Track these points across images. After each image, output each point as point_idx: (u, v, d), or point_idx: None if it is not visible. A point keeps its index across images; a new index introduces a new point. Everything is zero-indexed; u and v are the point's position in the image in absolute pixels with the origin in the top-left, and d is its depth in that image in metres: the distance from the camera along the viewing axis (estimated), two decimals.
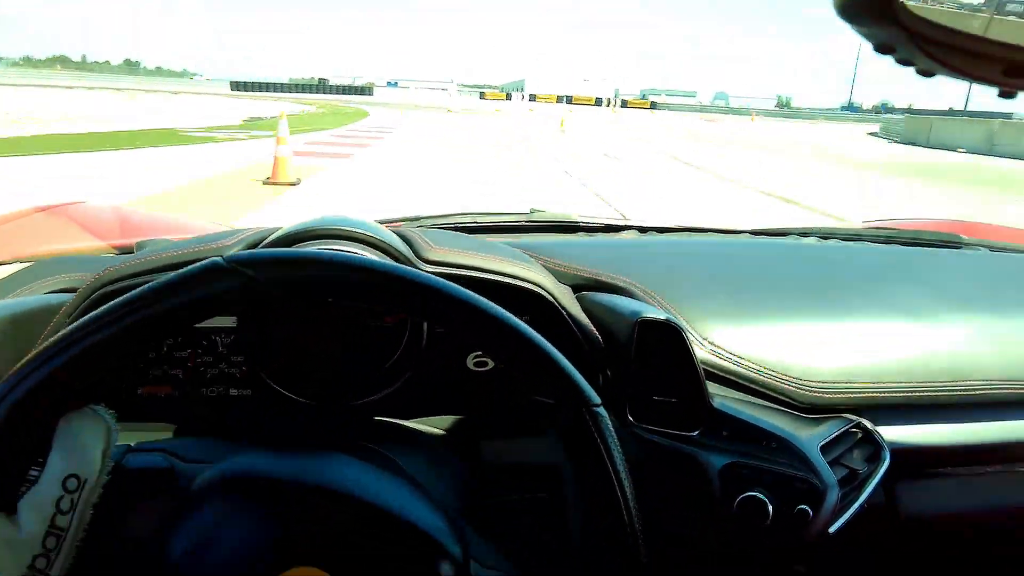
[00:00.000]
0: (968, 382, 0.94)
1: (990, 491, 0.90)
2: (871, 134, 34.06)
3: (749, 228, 1.55)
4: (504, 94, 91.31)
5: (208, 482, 0.51)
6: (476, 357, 0.92)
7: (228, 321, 0.85)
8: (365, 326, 0.89)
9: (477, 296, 0.51)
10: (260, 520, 0.49)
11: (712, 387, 0.84)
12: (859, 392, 0.91)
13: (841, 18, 0.36)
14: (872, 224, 1.67)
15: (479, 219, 1.40)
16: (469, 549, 0.54)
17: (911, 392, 0.92)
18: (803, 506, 0.75)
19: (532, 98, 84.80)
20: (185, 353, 0.86)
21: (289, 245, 0.80)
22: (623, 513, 0.50)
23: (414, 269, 0.51)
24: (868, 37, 0.36)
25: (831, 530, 0.76)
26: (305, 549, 0.48)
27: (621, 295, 0.95)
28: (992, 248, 1.44)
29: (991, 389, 0.95)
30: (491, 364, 0.93)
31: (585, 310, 0.91)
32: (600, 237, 1.39)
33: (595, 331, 0.88)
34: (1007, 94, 0.35)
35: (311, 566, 0.47)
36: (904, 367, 0.94)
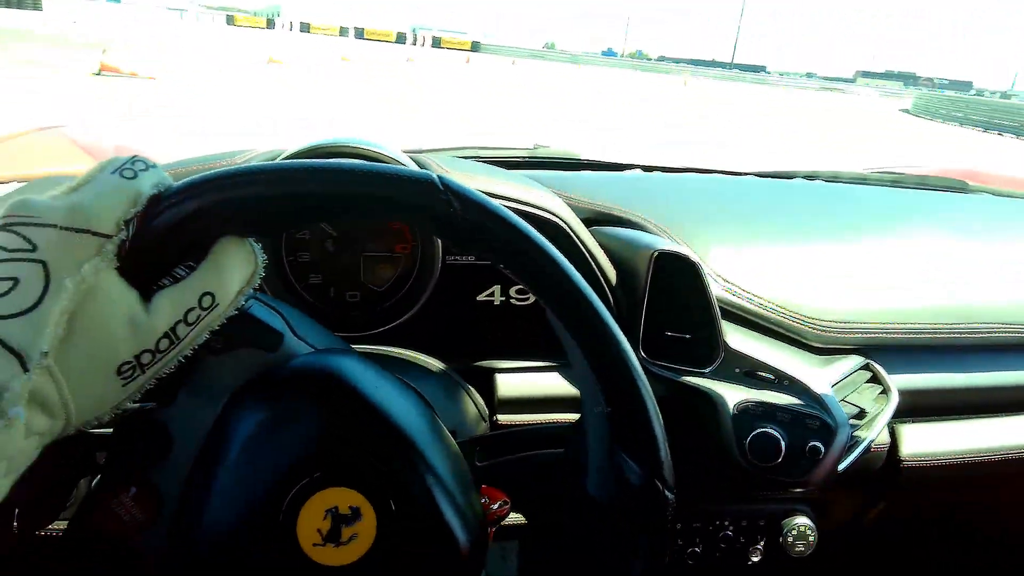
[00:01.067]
0: (975, 324, 0.95)
1: (993, 435, 0.92)
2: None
3: (755, 170, 1.53)
4: (264, 20, 65.79)
5: (295, 371, 0.51)
6: (486, 289, 0.91)
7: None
8: (375, 256, 0.88)
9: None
10: (314, 428, 0.49)
11: (725, 325, 0.84)
12: (869, 333, 0.91)
13: None
14: (881, 168, 1.66)
15: (482, 153, 1.37)
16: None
17: (918, 334, 0.93)
18: (815, 443, 0.76)
19: (305, 28, 61.49)
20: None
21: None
22: (661, 462, 0.49)
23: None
24: None
25: (840, 468, 0.77)
26: (347, 470, 0.48)
27: (634, 229, 0.95)
28: (996, 194, 1.44)
29: (997, 332, 0.96)
30: (501, 297, 0.92)
31: (599, 243, 0.90)
32: (606, 174, 1.37)
33: (609, 264, 0.88)
34: None
35: (350, 487, 0.47)
36: (912, 309, 0.95)
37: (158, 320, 0.41)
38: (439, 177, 0.44)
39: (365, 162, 0.45)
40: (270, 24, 63.18)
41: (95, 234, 0.38)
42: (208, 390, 0.50)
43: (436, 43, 56.42)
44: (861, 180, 1.47)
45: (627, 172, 1.41)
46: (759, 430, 0.77)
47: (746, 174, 1.50)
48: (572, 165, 1.42)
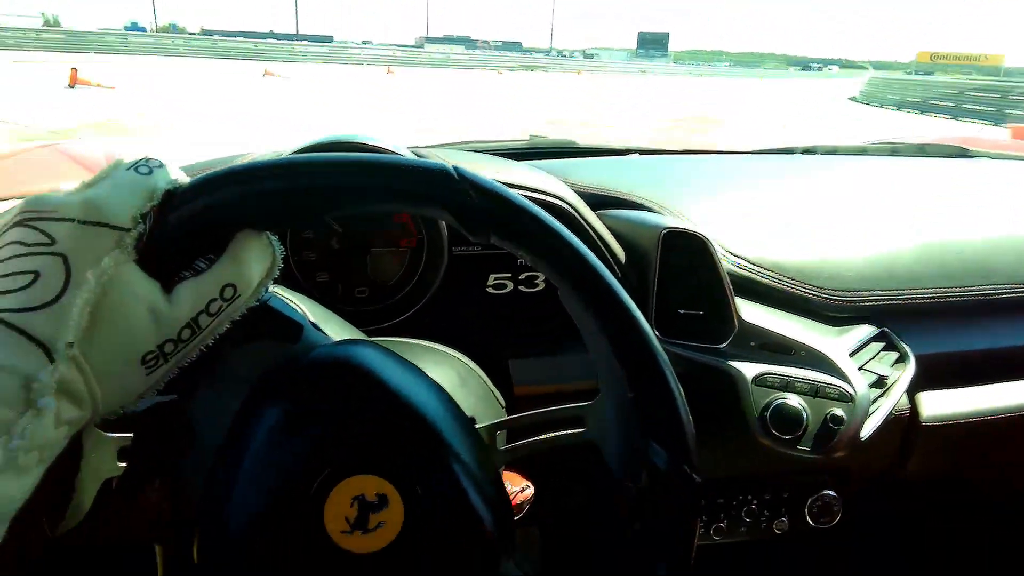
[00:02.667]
0: (984, 285, 0.95)
1: (1011, 394, 0.91)
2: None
3: (751, 148, 1.53)
4: None
5: (315, 361, 0.50)
6: (496, 279, 0.91)
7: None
8: (382, 251, 0.88)
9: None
10: (337, 417, 0.48)
11: (738, 300, 0.83)
12: (881, 299, 0.91)
13: None
14: (881, 140, 1.66)
15: (480, 145, 1.37)
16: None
17: (930, 297, 0.93)
18: (836, 410, 0.76)
19: None
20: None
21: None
22: (687, 445, 0.49)
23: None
24: None
25: (863, 435, 0.77)
26: (372, 457, 0.48)
27: (640, 210, 0.94)
28: (995, 157, 1.44)
29: (1007, 292, 0.95)
30: (511, 286, 0.92)
31: (606, 226, 0.90)
32: (605, 159, 1.37)
33: (618, 246, 0.87)
34: None
35: (375, 474, 0.47)
36: (923, 273, 0.94)
37: (180, 310, 0.41)
38: (454, 167, 0.45)
39: (380, 154, 0.45)
40: None
41: (113, 227, 0.39)
42: (230, 381, 0.50)
43: None
44: (860, 151, 1.46)
45: (626, 156, 1.41)
46: (778, 402, 0.77)
47: (744, 152, 1.50)
48: (571, 153, 1.42)
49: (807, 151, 1.49)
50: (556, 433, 0.58)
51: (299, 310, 0.54)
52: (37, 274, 0.36)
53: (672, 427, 0.49)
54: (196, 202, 0.42)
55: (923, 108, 21.12)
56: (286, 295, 0.55)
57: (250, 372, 0.50)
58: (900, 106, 22.23)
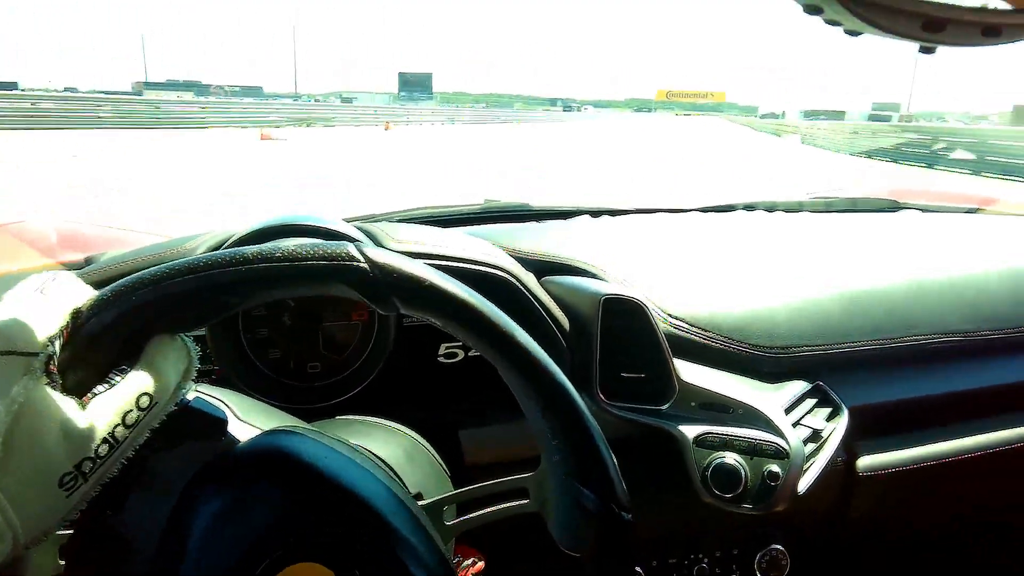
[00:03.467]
0: (909, 337, 1.00)
1: (943, 441, 0.95)
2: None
3: (697, 206, 1.59)
4: None
5: (256, 452, 0.51)
6: (446, 348, 0.93)
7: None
8: (333, 325, 0.89)
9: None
10: (290, 507, 0.49)
11: (677, 361, 0.87)
12: (815, 353, 0.95)
13: None
14: (815, 196, 1.74)
15: (433, 212, 1.40)
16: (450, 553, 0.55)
17: (861, 348, 0.97)
18: (773, 467, 0.79)
19: None
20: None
21: (257, 242, 0.79)
22: (612, 484, 0.51)
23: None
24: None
25: (800, 489, 0.80)
26: (311, 544, 0.49)
27: (582, 276, 0.98)
28: (924, 210, 1.52)
29: (932, 342, 1.00)
30: (461, 355, 0.94)
31: (549, 293, 0.93)
32: (554, 223, 1.41)
33: (561, 313, 0.90)
34: (927, 49, 0.38)
35: (314, 561, 0.48)
36: (854, 327, 0.99)
37: (95, 426, 0.42)
38: (357, 245, 0.47)
39: (279, 243, 0.47)
40: None
41: (21, 354, 0.40)
42: (158, 488, 0.51)
43: None
44: (797, 207, 1.53)
45: (576, 219, 1.45)
46: (718, 461, 0.79)
47: (689, 210, 1.55)
48: (522, 216, 1.46)
49: (748, 207, 1.55)
50: (502, 506, 0.60)
51: (223, 406, 0.55)
52: None
53: (595, 467, 0.52)
54: (105, 314, 0.43)
55: None
56: (209, 392, 0.55)
57: (178, 476, 0.51)
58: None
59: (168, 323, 0.46)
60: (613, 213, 1.52)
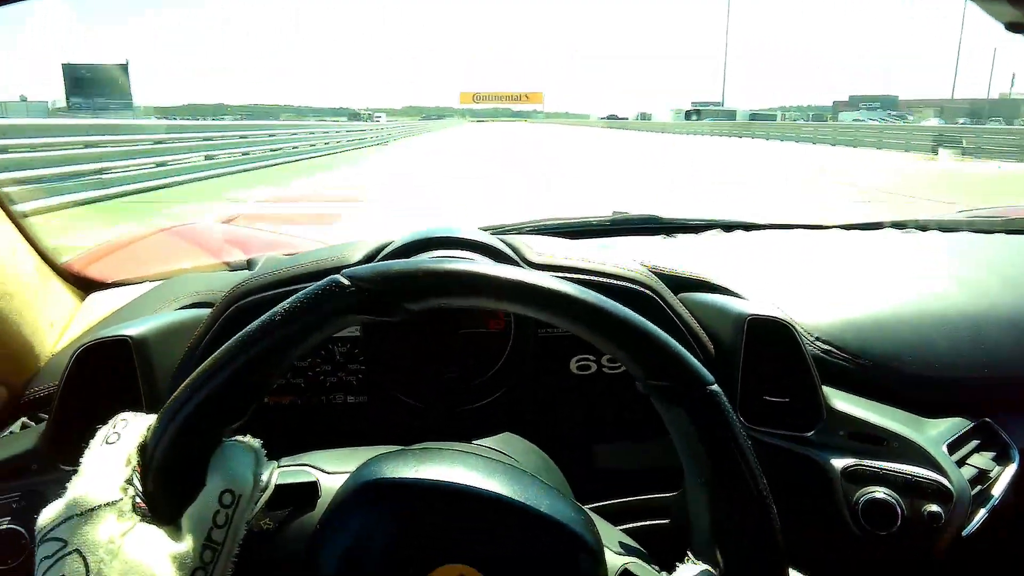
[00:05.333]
0: None
1: None
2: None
3: (840, 223, 1.51)
4: None
5: (351, 492, 0.53)
6: (579, 360, 0.93)
7: (344, 332, 0.89)
8: (471, 332, 0.92)
9: (577, 287, 0.51)
10: (404, 523, 0.51)
11: (826, 387, 0.83)
12: (982, 389, 0.88)
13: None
14: (970, 213, 1.61)
15: (563, 223, 1.41)
16: (601, 541, 0.55)
17: None
18: (934, 507, 0.73)
19: None
20: (306, 363, 0.90)
21: (406, 255, 0.83)
22: (758, 505, 0.49)
23: (512, 267, 0.52)
24: (999, 17, 0.37)
25: (964, 533, 0.74)
26: (450, 548, 0.50)
27: (721, 294, 0.95)
28: None
29: None
30: (594, 367, 0.94)
31: (688, 310, 0.91)
32: (687, 237, 1.39)
33: (702, 331, 0.88)
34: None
35: (458, 563, 0.49)
36: (1022, 358, 0.91)
37: (192, 538, 0.46)
38: (345, 271, 0.49)
39: (279, 307, 0.50)
40: None
41: (107, 505, 0.44)
42: (284, 564, 0.54)
43: None
44: (954, 226, 1.42)
45: (709, 232, 1.42)
46: (871, 495, 0.75)
47: (831, 227, 1.48)
48: (652, 228, 1.44)
49: (897, 225, 1.46)
50: (642, 523, 0.59)
51: (309, 471, 0.57)
52: None
53: (758, 526, 0.50)
54: (164, 440, 0.47)
55: None
56: (290, 464, 0.58)
57: (298, 547, 0.53)
58: None
59: (223, 422, 0.49)
60: (747, 228, 1.47)
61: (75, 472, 0.65)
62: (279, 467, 0.56)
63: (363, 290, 0.49)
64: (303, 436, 0.92)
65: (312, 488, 0.55)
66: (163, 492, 0.47)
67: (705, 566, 0.51)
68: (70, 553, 0.42)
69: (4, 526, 0.68)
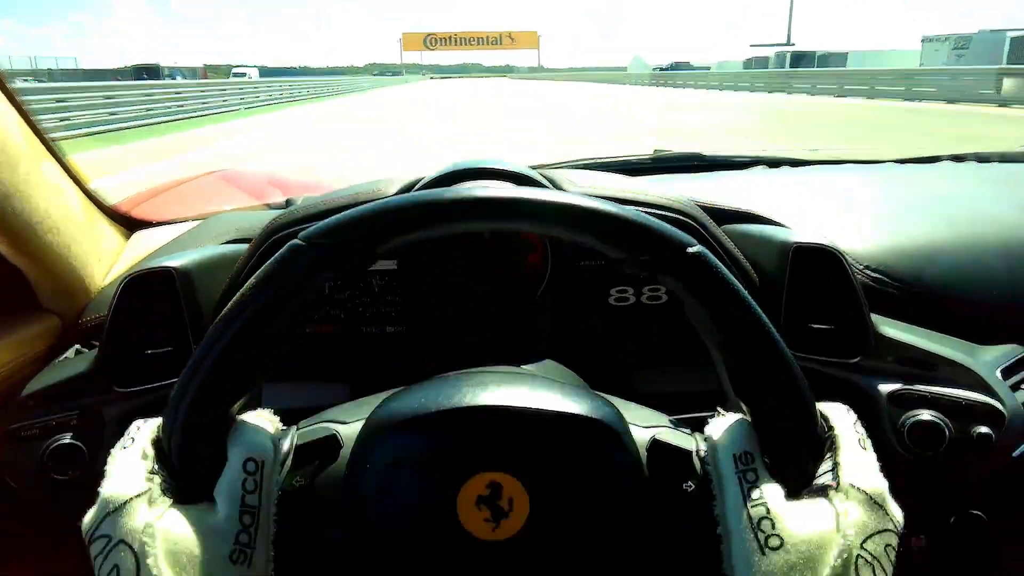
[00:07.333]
0: None
1: None
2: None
3: (893, 156, 1.45)
4: None
5: (370, 431, 0.54)
6: (618, 291, 0.92)
7: (383, 264, 0.89)
8: (509, 263, 0.91)
9: (541, 191, 0.52)
10: (428, 444, 0.52)
11: (874, 316, 0.80)
12: None
13: None
14: None
15: (605, 161, 1.39)
16: (624, 421, 0.55)
17: None
18: (984, 429, 0.71)
19: None
20: (345, 295, 0.91)
21: (450, 183, 0.82)
22: (769, 350, 0.50)
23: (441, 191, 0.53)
24: None
25: (1015, 455, 0.71)
26: (484, 457, 0.51)
27: (766, 224, 0.92)
28: None
29: None
30: (633, 299, 0.92)
31: (733, 241, 0.89)
32: (730, 173, 1.35)
33: (746, 261, 0.86)
34: None
35: (494, 471, 0.50)
36: None
37: (226, 506, 0.49)
38: (299, 236, 0.51)
39: (243, 288, 0.51)
40: None
41: (135, 497, 0.47)
42: (324, 512, 0.55)
43: None
44: (1016, 158, 1.35)
45: (754, 169, 1.38)
46: (916, 417, 0.73)
47: (883, 161, 1.42)
48: (695, 165, 1.40)
49: (955, 158, 1.39)
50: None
51: (328, 425, 0.58)
52: (116, 567, 0.45)
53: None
54: (176, 430, 0.50)
55: None
56: (308, 425, 0.59)
57: (329, 493, 0.55)
58: None
59: (226, 403, 0.51)
60: (794, 163, 1.42)
61: (125, 393, 0.68)
62: (299, 429, 0.58)
63: (321, 246, 0.50)
64: (344, 364, 0.94)
65: (333, 440, 0.56)
66: (187, 474, 0.50)
67: (738, 415, 0.53)
68: (116, 544, 0.45)
69: (66, 440, 0.72)
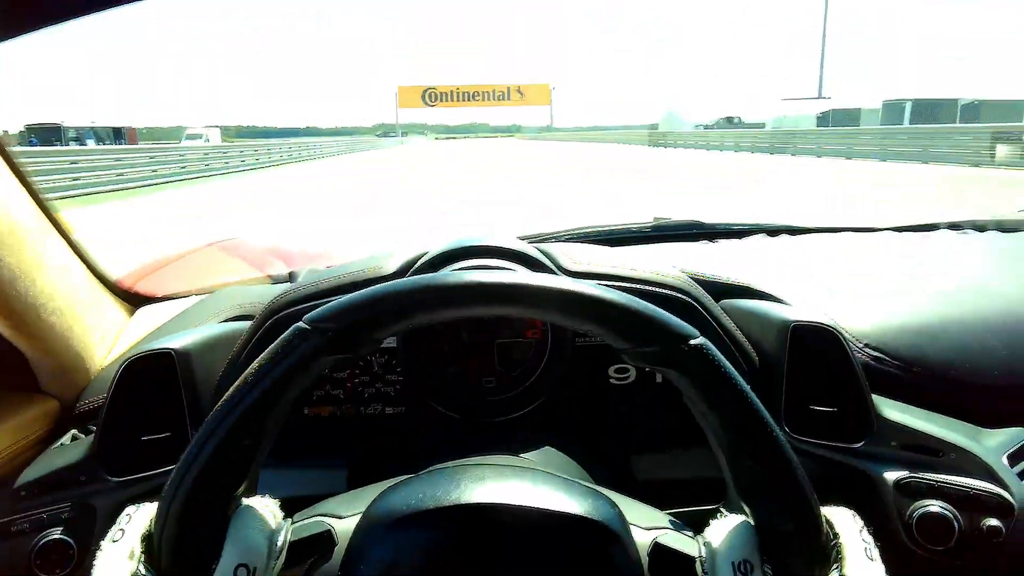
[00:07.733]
0: None
1: None
2: None
3: (891, 224, 1.46)
4: None
5: (364, 530, 0.54)
6: (617, 369, 0.92)
7: (384, 342, 0.90)
8: (508, 342, 0.91)
9: (543, 277, 0.52)
10: (431, 544, 0.52)
11: (875, 397, 0.79)
12: None
13: None
14: None
15: (604, 230, 1.40)
16: (627, 523, 0.54)
17: None
18: (993, 521, 0.69)
19: None
20: (344, 374, 0.91)
21: (440, 265, 0.83)
22: (772, 451, 0.49)
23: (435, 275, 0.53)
24: None
25: None
26: (483, 558, 0.50)
27: (764, 300, 0.92)
28: None
29: None
30: (633, 376, 0.92)
31: (729, 317, 0.89)
32: (730, 242, 1.36)
33: (745, 339, 0.86)
34: None
35: (492, 572, 0.49)
36: None
37: None
38: (304, 320, 0.51)
39: (246, 372, 0.51)
40: None
41: None
42: None
43: None
44: (1014, 227, 1.36)
45: (753, 237, 1.39)
46: (925, 508, 0.71)
47: (881, 229, 1.43)
48: (694, 234, 1.41)
49: (952, 227, 1.40)
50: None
51: (322, 520, 0.57)
52: None
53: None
54: (168, 523, 0.49)
55: None
56: (303, 518, 0.58)
57: None
58: None
59: (223, 492, 0.51)
60: (793, 232, 1.43)
61: (120, 483, 0.67)
62: (293, 523, 0.56)
63: (325, 331, 0.50)
64: (342, 447, 0.93)
65: (327, 537, 0.55)
66: (176, 573, 0.49)
67: (740, 516, 0.52)
68: None
69: (55, 536, 0.70)
